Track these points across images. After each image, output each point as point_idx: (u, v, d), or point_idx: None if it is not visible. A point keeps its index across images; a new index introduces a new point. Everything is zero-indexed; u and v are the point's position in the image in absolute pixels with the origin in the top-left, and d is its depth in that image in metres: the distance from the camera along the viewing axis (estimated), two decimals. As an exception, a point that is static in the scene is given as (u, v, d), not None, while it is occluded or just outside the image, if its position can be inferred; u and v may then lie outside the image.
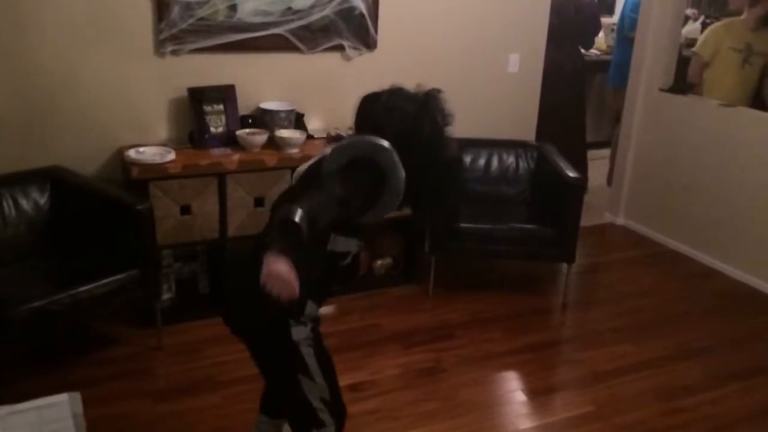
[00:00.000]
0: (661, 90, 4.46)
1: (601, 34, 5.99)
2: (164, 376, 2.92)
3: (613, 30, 6.26)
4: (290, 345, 1.87)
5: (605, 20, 6.08)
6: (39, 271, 2.89)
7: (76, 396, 1.94)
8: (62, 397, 1.91)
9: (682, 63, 4.64)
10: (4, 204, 2.93)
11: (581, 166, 5.12)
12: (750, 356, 3.27)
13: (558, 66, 4.76)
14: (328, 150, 1.82)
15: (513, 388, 3.03)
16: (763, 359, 3.25)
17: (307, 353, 1.90)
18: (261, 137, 3.33)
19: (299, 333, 1.87)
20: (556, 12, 4.34)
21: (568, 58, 4.88)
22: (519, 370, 3.12)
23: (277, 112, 3.45)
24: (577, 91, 5.06)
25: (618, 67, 5.18)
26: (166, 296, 3.32)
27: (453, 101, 4.08)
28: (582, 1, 4.88)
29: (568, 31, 4.77)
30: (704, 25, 6.45)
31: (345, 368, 2.87)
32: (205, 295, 3.47)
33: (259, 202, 3.28)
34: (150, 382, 2.87)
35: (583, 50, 5.16)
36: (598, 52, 6.15)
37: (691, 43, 5.88)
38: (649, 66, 4.50)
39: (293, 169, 3.31)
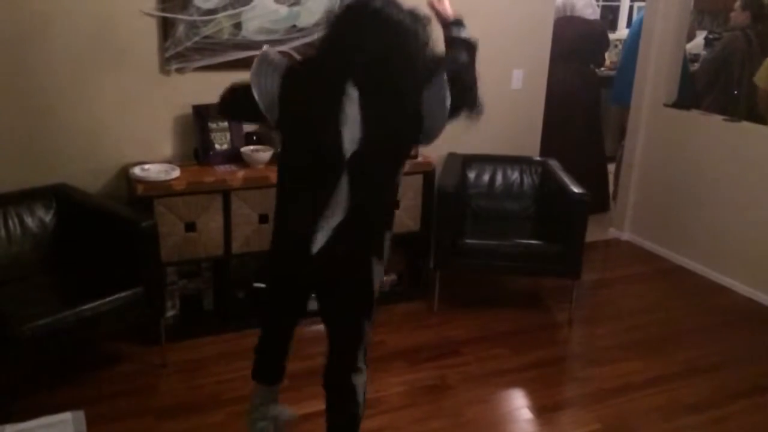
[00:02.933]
0: (666, 105, 4.47)
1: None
2: (168, 393, 2.91)
3: (616, 46, 6.29)
4: (370, 289, 2.08)
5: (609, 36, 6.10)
6: (44, 288, 2.89)
7: (80, 414, 1.93)
8: (66, 416, 1.91)
9: (688, 78, 4.64)
10: (10, 222, 2.94)
11: (602, 183, 5.11)
12: (758, 373, 3.24)
13: (571, 84, 4.77)
14: None
15: (519, 405, 3.00)
16: (772, 376, 3.23)
17: (375, 302, 2.11)
18: (265, 154, 3.34)
19: (378, 273, 2.08)
20: (563, 30, 4.36)
21: (580, 76, 4.89)
22: (525, 387, 3.10)
23: (282, 129, 3.46)
24: (593, 108, 5.06)
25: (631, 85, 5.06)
26: (170, 313, 3.32)
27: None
28: (588, 18, 4.90)
29: (577, 48, 4.79)
30: (706, 41, 6.48)
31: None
32: (209, 311, 3.47)
33: (263, 218, 3.28)
34: (154, 400, 2.86)
35: (594, 67, 5.18)
36: (603, 68, 6.16)
37: (694, 58, 5.90)
38: (653, 81, 4.50)
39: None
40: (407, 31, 1.88)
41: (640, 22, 4.97)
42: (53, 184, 3.11)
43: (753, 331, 3.64)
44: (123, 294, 2.79)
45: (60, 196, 3.08)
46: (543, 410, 2.93)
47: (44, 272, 2.97)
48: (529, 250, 3.56)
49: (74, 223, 3.04)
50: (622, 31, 6.53)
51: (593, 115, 5.08)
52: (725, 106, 4.65)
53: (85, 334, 2.76)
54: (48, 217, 3.04)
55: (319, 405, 2.77)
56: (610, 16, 6.81)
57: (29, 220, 2.99)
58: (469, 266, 3.62)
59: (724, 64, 4.82)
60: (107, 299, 2.74)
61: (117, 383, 2.94)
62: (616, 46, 6.31)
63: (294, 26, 3.45)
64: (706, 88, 4.88)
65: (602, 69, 6.12)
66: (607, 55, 6.21)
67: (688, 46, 5.22)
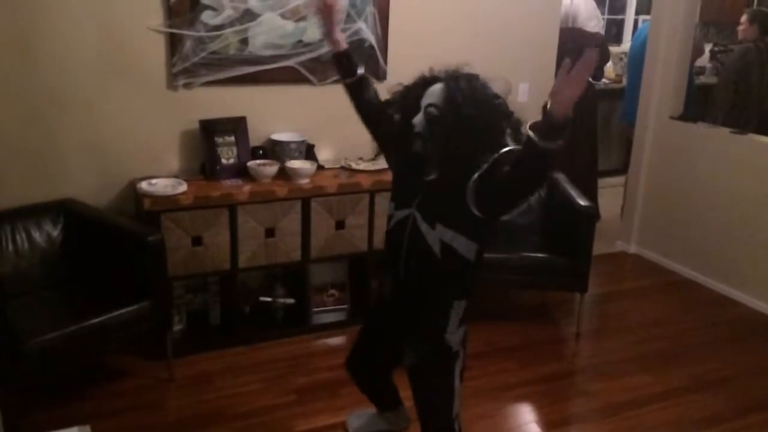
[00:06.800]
0: (672, 118, 4.46)
1: (609, 63, 6.03)
2: (175, 408, 2.90)
3: (621, 59, 6.30)
4: None
5: (614, 49, 6.11)
6: (51, 303, 2.90)
7: (87, 429, 1.93)
8: (72, 431, 1.91)
9: (695, 91, 4.62)
10: (18, 236, 2.95)
11: (591, 195, 5.09)
12: (769, 387, 3.22)
13: None
14: None
15: (528, 420, 2.98)
16: (783, 390, 3.20)
17: None
18: (272, 168, 3.35)
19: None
20: (562, 42, 4.36)
21: None
22: (534, 402, 3.07)
23: (288, 143, 3.47)
24: (590, 121, 5.05)
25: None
26: (177, 328, 3.31)
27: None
28: (589, 31, 4.91)
29: (575, 61, 4.79)
30: (712, 54, 6.47)
31: (355, 401, 2.84)
32: (216, 326, 3.46)
33: (270, 232, 3.28)
34: (161, 415, 2.85)
35: (593, 80, 5.17)
36: (608, 81, 6.18)
37: (699, 71, 5.89)
38: (659, 94, 4.50)
39: (304, 200, 3.35)
40: None
41: (641, 38, 4.97)
42: (61, 199, 3.12)
43: (762, 344, 3.61)
44: (130, 308, 2.79)
45: (67, 211, 3.09)
46: (551, 426, 2.91)
47: (51, 287, 2.97)
48: (536, 263, 3.55)
49: (81, 237, 3.05)
50: (626, 44, 6.53)
51: (587, 126, 5.05)
52: (759, 122, 4.62)
53: (92, 348, 2.76)
54: (55, 232, 3.05)
55: (325, 419, 2.78)
56: (614, 29, 6.82)
57: (37, 235, 3.00)
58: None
59: (743, 76, 4.79)
60: (114, 314, 2.74)
61: (124, 398, 2.93)
62: (621, 59, 6.32)
63: (300, 41, 3.47)
64: (728, 103, 4.83)
65: (607, 82, 6.13)
66: (611, 68, 6.23)
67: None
